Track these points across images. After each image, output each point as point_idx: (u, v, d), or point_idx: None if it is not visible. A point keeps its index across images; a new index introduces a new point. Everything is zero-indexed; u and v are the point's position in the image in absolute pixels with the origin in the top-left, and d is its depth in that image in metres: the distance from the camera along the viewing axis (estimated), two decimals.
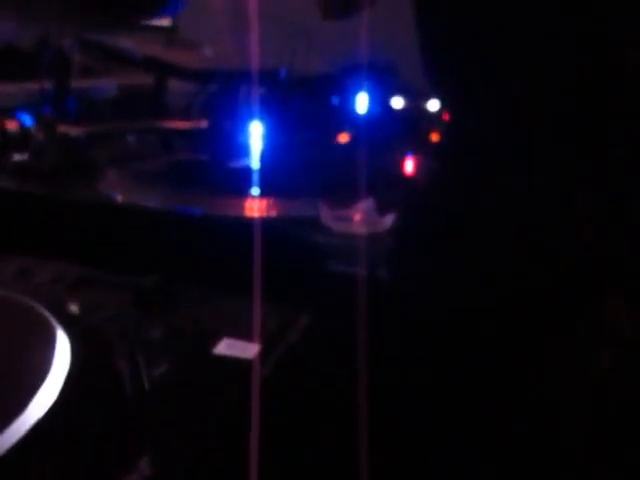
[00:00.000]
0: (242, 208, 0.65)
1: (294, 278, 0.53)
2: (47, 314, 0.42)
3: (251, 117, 1.10)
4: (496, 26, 0.68)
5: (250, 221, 0.63)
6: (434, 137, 1.31)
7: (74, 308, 0.47)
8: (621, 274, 0.63)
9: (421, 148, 1.21)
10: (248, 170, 0.79)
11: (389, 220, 0.62)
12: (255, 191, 0.66)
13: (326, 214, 0.63)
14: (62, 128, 0.86)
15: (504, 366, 0.62)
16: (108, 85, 1.36)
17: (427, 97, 1.59)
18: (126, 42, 1.18)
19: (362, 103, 1.56)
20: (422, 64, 0.78)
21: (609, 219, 0.65)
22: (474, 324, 0.62)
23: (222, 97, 1.07)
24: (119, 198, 0.69)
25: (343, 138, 1.28)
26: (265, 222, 0.61)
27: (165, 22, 1.53)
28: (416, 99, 1.60)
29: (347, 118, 1.45)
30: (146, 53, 1.11)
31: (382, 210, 0.64)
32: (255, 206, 0.66)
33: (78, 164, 0.79)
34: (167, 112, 1.17)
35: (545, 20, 0.64)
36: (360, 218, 0.63)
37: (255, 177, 0.74)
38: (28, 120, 1.14)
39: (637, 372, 0.64)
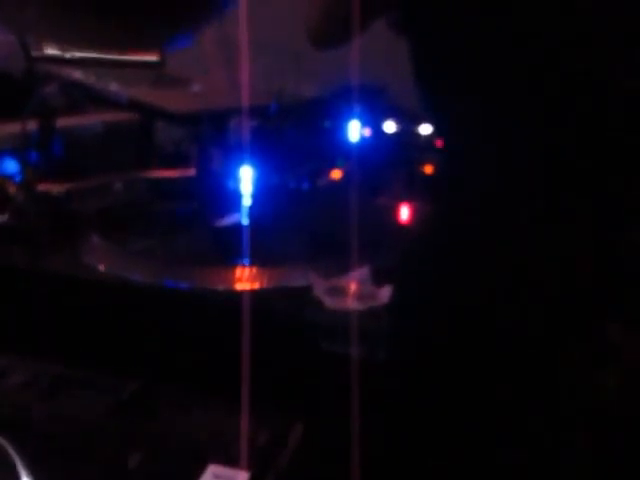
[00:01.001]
0: (230, 279, 0.62)
1: (287, 369, 0.50)
2: (13, 454, 0.38)
3: (240, 161, 1.07)
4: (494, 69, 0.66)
5: (238, 299, 0.60)
6: (427, 169, 1.29)
7: (45, 430, 0.43)
8: (621, 297, 0.62)
9: (415, 184, 1.18)
10: (237, 228, 0.76)
11: (386, 293, 0.59)
12: (245, 253, 0.63)
13: (318, 285, 0.60)
14: (43, 186, 0.83)
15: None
16: (94, 123, 1.32)
17: (419, 120, 1.57)
18: (111, 83, 1.16)
19: (354, 130, 1.54)
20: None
21: (608, 244, 0.63)
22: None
23: (210, 142, 1.04)
24: (102, 268, 0.66)
25: (336, 174, 1.26)
26: (254, 299, 0.57)
27: (153, 57, 1.50)
28: (408, 122, 1.58)
29: (339, 149, 1.43)
30: (132, 94, 1.08)
31: (378, 277, 0.61)
32: (244, 276, 0.63)
33: (60, 226, 0.75)
34: (155, 154, 1.14)
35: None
36: (355, 289, 0.60)
37: (245, 235, 0.71)
38: (12, 165, 1.10)
39: (638, 393, 0.61)
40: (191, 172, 0.97)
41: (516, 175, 0.68)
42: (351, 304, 0.58)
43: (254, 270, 0.63)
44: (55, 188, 0.83)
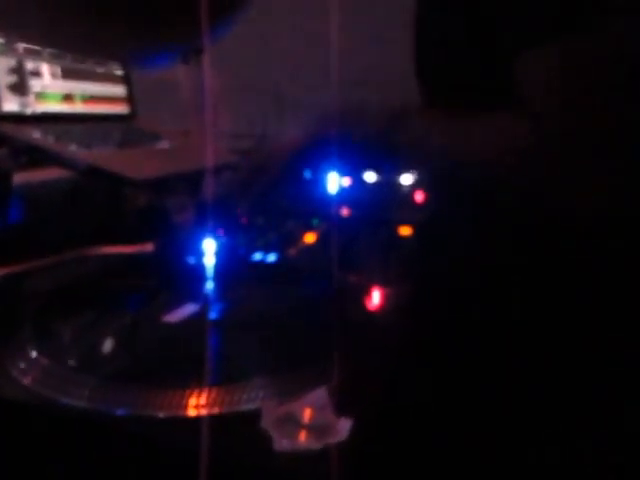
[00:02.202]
0: (175, 402, 0.54)
1: None
2: None
3: (205, 230, 1.00)
4: None
5: (186, 429, 0.51)
6: (403, 231, 1.22)
7: None
8: None
9: (393, 255, 1.11)
10: (189, 326, 0.68)
11: (345, 426, 0.51)
12: (195, 368, 0.55)
13: (267, 413, 0.52)
14: None
15: None
16: (58, 179, 1.25)
17: (400, 169, 1.52)
18: (70, 144, 1.09)
19: (333, 183, 1.48)
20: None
21: None
22: None
23: (173, 209, 0.97)
24: (27, 383, 0.57)
25: (310, 238, 1.19)
26: (204, 428, 0.49)
27: (124, 109, 1.44)
28: (389, 173, 1.52)
29: (316, 204, 1.36)
30: (92, 157, 1.01)
31: (340, 399, 0.53)
32: (191, 399, 0.54)
33: None
34: (115, 226, 1.06)
35: None
36: (309, 418, 0.52)
37: (198, 339, 0.62)
38: None
39: None
40: (148, 248, 0.90)
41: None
42: (303, 441, 0.50)
43: (204, 391, 0.55)
44: None
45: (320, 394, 0.54)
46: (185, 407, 0.54)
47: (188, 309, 0.71)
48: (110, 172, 0.98)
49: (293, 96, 1.99)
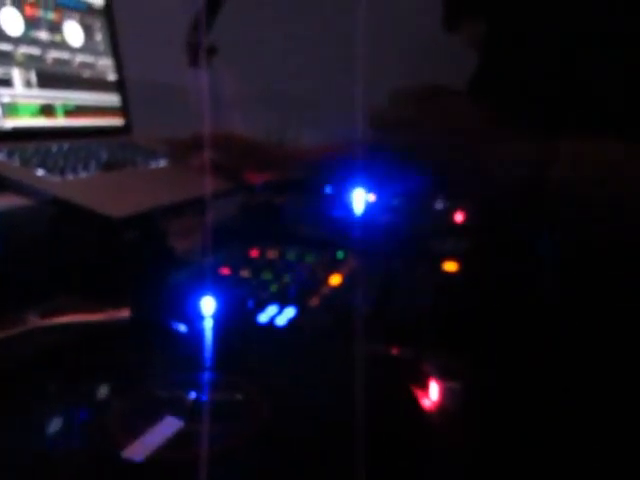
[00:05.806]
0: None
1: None
2: None
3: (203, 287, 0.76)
4: None
5: None
6: (448, 266, 0.98)
7: None
8: None
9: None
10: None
11: None
12: None
13: None
14: None
15: None
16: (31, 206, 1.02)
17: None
18: (36, 171, 0.86)
19: (359, 202, 1.28)
20: None
21: None
22: None
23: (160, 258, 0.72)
24: None
25: (335, 280, 0.94)
26: None
27: (117, 122, 1.23)
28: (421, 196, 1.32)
29: (340, 233, 1.14)
30: (57, 191, 0.78)
31: None
32: None
33: None
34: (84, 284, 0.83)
35: None
36: None
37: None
38: None
39: None
40: (124, 314, 0.66)
41: None
42: None
43: None
44: None
45: None
46: None
47: (164, 430, 0.46)
48: (78, 206, 0.75)
49: (311, 104, 1.85)
